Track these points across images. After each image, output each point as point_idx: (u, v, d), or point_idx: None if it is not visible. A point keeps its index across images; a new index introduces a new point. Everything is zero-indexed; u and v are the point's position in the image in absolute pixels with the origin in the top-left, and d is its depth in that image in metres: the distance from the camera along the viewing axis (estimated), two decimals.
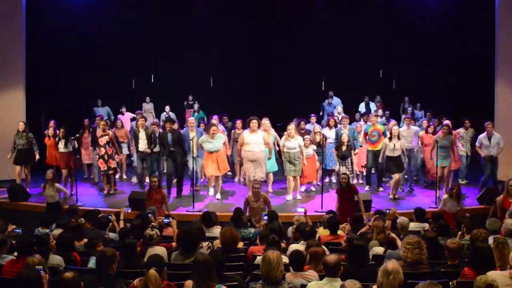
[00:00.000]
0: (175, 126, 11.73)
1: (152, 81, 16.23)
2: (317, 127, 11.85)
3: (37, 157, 11.51)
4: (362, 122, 12.56)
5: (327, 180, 12.27)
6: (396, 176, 10.76)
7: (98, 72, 15.22)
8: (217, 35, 15.80)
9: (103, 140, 11.04)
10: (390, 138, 10.72)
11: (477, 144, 11.30)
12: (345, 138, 10.86)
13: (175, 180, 11.35)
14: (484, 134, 11.17)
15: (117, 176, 11.98)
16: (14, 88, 12.84)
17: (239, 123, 11.99)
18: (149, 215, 7.97)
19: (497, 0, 12.60)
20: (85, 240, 6.72)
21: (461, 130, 11.94)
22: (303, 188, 11.59)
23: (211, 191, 11.03)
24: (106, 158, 11.05)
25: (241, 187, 11.94)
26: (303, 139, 11.07)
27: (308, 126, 12.17)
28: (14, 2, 12.73)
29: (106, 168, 11.09)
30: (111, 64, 15.42)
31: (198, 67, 15.68)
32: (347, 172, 10.25)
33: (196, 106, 14.82)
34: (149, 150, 11.14)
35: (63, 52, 14.54)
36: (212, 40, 15.72)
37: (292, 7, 15.56)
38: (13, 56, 12.74)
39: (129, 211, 8.52)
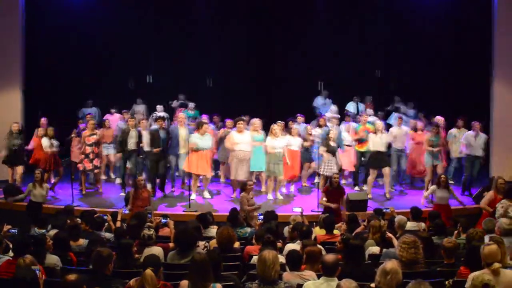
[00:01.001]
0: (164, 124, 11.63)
1: (152, 81, 16.22)
2: (309, 128, 11.80)
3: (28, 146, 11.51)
4: (351, 122, 12.49)
5: (316, 180, 12.19)
6: (375, 173, 10.85)
7: (98, 72, 15.20)
8: (217, 35, 15.75)
9: (90, 139, 11.04)
10: (375, 132, 10.80)
11: (462, 140, 11.32)
12: (333, 133, 10.82)
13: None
14: (472, 132, 11.18)
15: (104, 177, 12.24)
16: (13, 88, 12.82)
17: (229, 122, 11.80)
18: (149, 215, 7.97)
19: (496, 0, 12.59)
20: (81, 240, 6.73)
21: (454, 130, 11.90)
22: (292, 188, 11.64)
23: (193, 196, 10.77)
24: (91, 157, 11.04)
25: (227, 187, 11.87)
26: (291, 129, 11.17)
27: (295, 127, 11.96)
28: (11, 1, 12.70)
29: (91, 167, 11.09)
30: (111, 64, 15.41)
31: (198, 67, 15.63)
32: (335, 171, 10.28)
33: (192, 105, 14.69)
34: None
35: (63, 52, 14.51)
36: (212, 40, 15.67)
37: (292, 7, 15.51)
38: (11, 56, 12.72)
39: (127, 212, 8.53)
